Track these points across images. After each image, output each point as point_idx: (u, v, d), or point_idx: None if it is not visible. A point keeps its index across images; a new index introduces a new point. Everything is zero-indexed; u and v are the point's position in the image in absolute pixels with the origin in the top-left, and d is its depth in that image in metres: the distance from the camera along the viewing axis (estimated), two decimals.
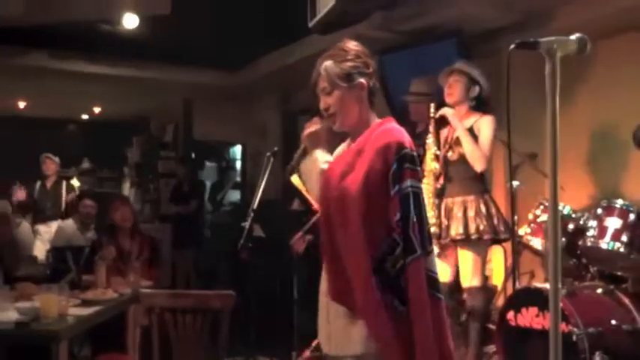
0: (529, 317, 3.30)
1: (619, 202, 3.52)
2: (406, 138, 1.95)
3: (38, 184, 7.10)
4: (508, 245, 4.07)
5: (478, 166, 3.60)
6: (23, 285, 3.32)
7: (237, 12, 5.14)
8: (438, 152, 3.73)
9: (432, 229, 3.46)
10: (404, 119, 3.35)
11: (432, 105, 3.76)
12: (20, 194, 6.70)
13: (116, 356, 3.61)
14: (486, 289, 4.43)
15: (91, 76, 7.08)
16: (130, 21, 5.26)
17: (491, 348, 3.76)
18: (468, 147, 3.59)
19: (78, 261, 3.68)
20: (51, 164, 7.09)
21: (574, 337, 3.05)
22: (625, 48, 4.39)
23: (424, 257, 1.88)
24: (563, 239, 3.67)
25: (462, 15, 4.48)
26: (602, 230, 3.49)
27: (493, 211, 3.60)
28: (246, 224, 2.37)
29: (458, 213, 3.60)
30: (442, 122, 3.84)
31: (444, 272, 3.65)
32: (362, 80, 2.03)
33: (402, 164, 1.90)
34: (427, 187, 3.61)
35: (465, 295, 3.69)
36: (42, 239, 6.27)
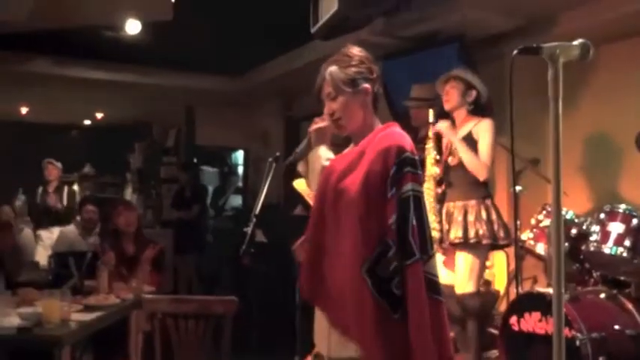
0: (532, 322, 3.29)
1: (622, 207, 3.52)
2: (407, 142, 1.96)
3: (40, 189, 7.11)
4: (510, 250, 4.07)
5: (480, 176, 3.61)
6: (25, 290, 3.33)
7: (240, 18, 5.15)
8: (438, 157, 3.73)
9: (434, 234, 3.45)
10: (406, 125, 3.35)
11: (431, 111, 3.77)
12: (51, 199, 6.72)
13: None
14: (486, 294, 4.42)
15: (93, 81, 7.10)
16: (133, 27, 5.27)
17: (494, 353, 3.75)
18: (466, 159, 3.60)
19: (80, 266, 3.68)
20: (53, 170, 7.09)
21: (577, 342, 3.04)
22: (627, 53, 4.40)
23: (423, 261, 1.87)
24: (566, 244, 3.67)
25: (464, 20, 4.49)
26: (605, 235, 3.49)
27: (494, 216, 3.60)
28: (249, 229, 2.36)
29: (458, 217, 3.60)
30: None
31: (447, 277, 3.65)
32: (366, 85, 2.04)
33: (402, 168, 1.90)
34: (428, 191, 3.61)
35: (458, 300, 3.67)
36: (44, 245, 6.28)
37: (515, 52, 1.49)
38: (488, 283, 4.63)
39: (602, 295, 3.42)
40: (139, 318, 3.65)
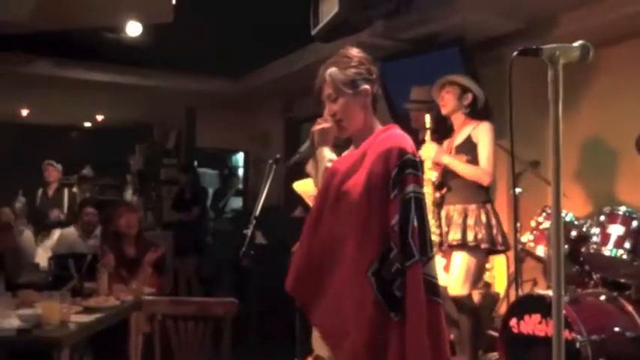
0: (532, 324, 3.29)
1: (622, 209, 3.52)
2: (408, 143, 1.96)
3: (40, 191, 7.10)
4: (510, 252, 4.07)
5: (483, 182, 3.63)
6: (25, 292, 3.32)
7: (240, 20, 5.15)
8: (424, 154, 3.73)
9: (433, 238, 3.45)
10: (406, 127, 3.36)
11: (428, 116, 3.77)
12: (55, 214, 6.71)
13: None
14: (486, 296, 4.42)
15: (93, 83, 7.10)
16: (133, 29, 5.27)
17: (494, 355, 3.74)
18: (466, 172, 3.61)
19: (80, 268, 3.68)
20: (53, 171, 7.09)
21: (577, 345, 3.03)
22: (627, 56, 4.40)
23: (423, 263, 1.88)
24: (566, 246, 3.66)
25: (464, 23, 4.49)
26: (605, 237, 3.49)
27: (493, 221, 3.60)
28: (249, 231, 2.37)
29: (458, 220, 3.60)
30: (445, 131, 3.85)
31: (445, 280, 3.64)
32: (366, 87, 2.05)
33: (403, 169, 1.90)
34: (426, 195, 3.61)
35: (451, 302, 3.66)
36: (44, 247, 6.27)
37: (515, 53, 1.50)
38: (488, 285, 4.63)
39: (603, 298, 3.42)
40: (138, 320, 3.64)
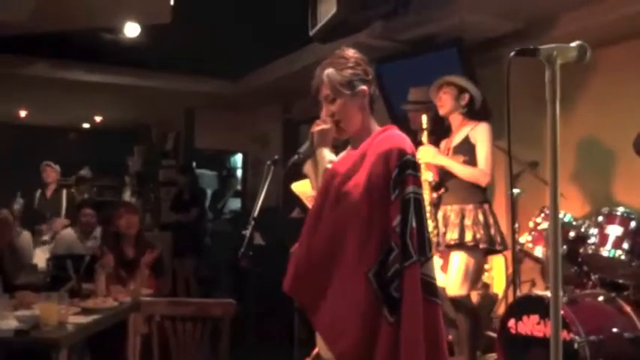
0: (530, 325, 3.29)
1: (620, 210, 3.52)
2: (408, 144, 1.97)
3: (38, 192, 7.10)
4: (509, 253, 4.07)
5: (482, 183, 3.64)
6: (23, 293, 3.32)
7: (238, 21, 5.15)
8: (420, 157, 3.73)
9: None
10: (405, 128, 3.36)
11: (424, 117, 3.78)
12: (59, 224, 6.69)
13: None
14: (484, 297, 4.42)
15: (92, 84, 7.10)
16: (132, 30, 5.27)
17: (492, 356, 3.74)
18: (464, 174, 3.62)
19: (78, 269, 3.68)
20: (51, 172, 7.08)
21: (575, 345, 3.04)
22: (625, 56, 4.40)
23: (421, 263, 1.88)
24: (564, 247, 3.67)
25: (462, 23, 4.49)
26: (603, 238, 3.49)
27: (491, 221, 3.60)
28: (247, 232, 2.37)
29: (455, 220, 3.60)
30: (442, 132, 3.85)
31: (442, 280, 3.64)
32: (363, 87, 2.05)
33: (404, 170, 1.91)
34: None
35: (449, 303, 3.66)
36: (42, 248, 6.26)
37: (512, 53, 1.50)
38: (486, 286, 4.63)
39: (601, 298, 3.42)
40: (136, 321, 3.64)
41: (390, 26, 4.71)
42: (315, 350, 2.15)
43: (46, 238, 6.31)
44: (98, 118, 10.23)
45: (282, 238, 4.92)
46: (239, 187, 9.63)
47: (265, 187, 2.35)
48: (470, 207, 3.61)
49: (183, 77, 7.16)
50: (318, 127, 2.07)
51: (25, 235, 5.91)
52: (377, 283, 1.85)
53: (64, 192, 7.11)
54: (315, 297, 1.95)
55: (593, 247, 3.51)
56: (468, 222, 3.57)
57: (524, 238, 3.99)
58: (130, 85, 7.23)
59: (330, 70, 2.04)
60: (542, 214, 3.95)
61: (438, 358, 1.87)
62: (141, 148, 10.16)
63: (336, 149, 2.14)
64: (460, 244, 3.55)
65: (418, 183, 1.95)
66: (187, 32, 5.21)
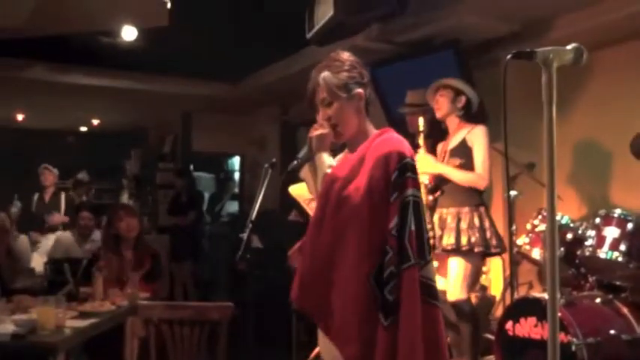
0: (528, 327, 3.29)
1: (617, 212, 3.53)
2: (406, 147, 1.97)
3: (36, 195, 7.09)
4: (507, 255, 4.07)
5: (480, 187, 3.65)
6: (20, 297, 3.31)
7: (236, 24, 5.16)
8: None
9: None
10: (403, 131, 3.36)
11: (421, 119, 3.78)
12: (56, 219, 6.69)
13: None
14: (482, 299, 4.42)
15: (89, 88, 7.09)
16: (129, 33, 5.27)
17: (490, 358, 3.74)
18: (461, 179, 3.62)
19: (75, 273, 3.67)
20: (49, 175, 7.07)
21: (573, 347, 3.04)
22: (622, 59, 4.41)
23: (420, 266, 1.88)
24: (562, 249, 3.67)
25: (459, 26, 4.50)
26: (600, 240, 3.50)
27: (487, 224, 3.61)
28: (245, 235, 2.37)
29: (451, 223, 3.61)
30: (438, 135, 3.86)
31: (440, 283, 3.64)
32: (359, 90, 2.05)
33: (403, 173, 1.91)
34: None
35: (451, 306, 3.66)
36: (39, 251, 6.25)
37: (508, 56, 1.50)
38: (484, 288, 4.63)
39: (598, 300, 3.43)
40: (134, 324, 3.63)
41: (387, 29, 4.72)
42: (315, 350, 2.14)
43: (40, 242, 6.31)
44: (96, 122, 10.22)
45: (280, 241, 4.91)
46: (237, 190, 9.63)
47: (263, 190, 2.36)
48: (466, 210, 3.61)
49: (180, 80, 7.16)
50: (316, 131, 2.07)
51: (23, 239, 5.90)
52: (375, 286, 1.85)
53: (63, 195, 7.10)
54: (321, 304, 1.95)
55: (590, 249, 3.51)
56: (463, 225, 3.57)
57: (521, 240, 3.99)
58: (127, 89, 7.22)
59: (326, 74, 2.04)
60: (540, 216, 3.95)
61: None
62: (138, 151, 10.16)
63: (334, 153, 2.14)
64: (456, 249, 3.55)
65: (417, 186, 1.95)
66: (184, 35, 5.21)
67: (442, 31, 4.64)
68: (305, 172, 2.13)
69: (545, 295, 2.83)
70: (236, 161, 9.76)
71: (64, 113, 9.26)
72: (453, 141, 3.75)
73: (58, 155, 8.90)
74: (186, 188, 7.55)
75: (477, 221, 3.58)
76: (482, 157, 3.62)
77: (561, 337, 3.03)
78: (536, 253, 3.89)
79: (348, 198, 1.91)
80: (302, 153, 2.11)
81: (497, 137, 3.86)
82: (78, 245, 5.29)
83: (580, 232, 3.65)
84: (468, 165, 3.65)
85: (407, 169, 1.92)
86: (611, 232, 3.47)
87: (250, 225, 2.83)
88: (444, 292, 3.58)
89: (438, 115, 3.78)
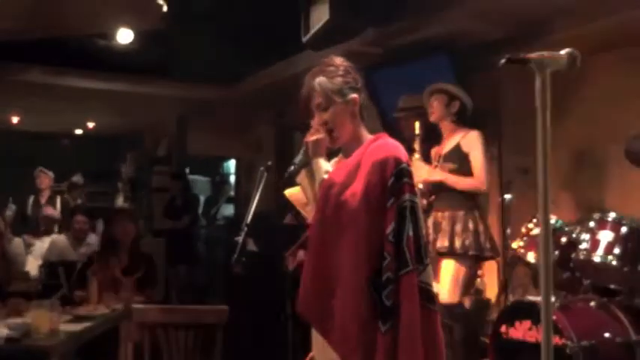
0: (522, 331, 3.30)
1: (611, 215, 3.53)
2: (402, 152, 1.98)
3: (31, 198, 7.07)
4: (502, 259, 4.08)
5: (481, 191, 3.67)
6: (14, 301, 3.30)
7: (232, 27, 5.16)
8: (417, 174, 3.74)
9: None
10: (398, 135, 3.37)
11: (417, 123, 3.79)
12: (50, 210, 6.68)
13: None
14: (477, 303, 4.42)
15: (85, 90, 7.08)
16: (125, 36, 5.27)
17: None
18: (462, 185, 3.63)
19: (70, 276, 3.67)
20: (45, 178, 7.06)
21: (568, 350, 3.05)
22: (618, 63, 4.42)
23: (418, 271, 1.88)
24: (556, 252, 3.68)
25: (455, 30, 4.51)
26: (594, 243, 3.50)
27: (481, 228, 3.62)
28: (240, 239, 2.37)
29: (446, 227, 3.62)
30: (433, 139, 3.87)
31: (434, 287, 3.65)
32: (354, 95, 2.06)
33: (400, 178, 1.91)
34: None
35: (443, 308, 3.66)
36: (34, 254, 6.24)
37: (502, 61, 1.50)
38: (479, 291, 4.64)
39: (593, 303, 3.43)
40: (129, 328, 3.62)
41: (382, 33, 4.73)
42: (310, 355, 2.14)
43: (34, 245, 6.28)
44: (91, 124, 10.21)
45: (276, 245, 4.91)
46: (232, 193, 9.62)
47: (258, 193, 2.35)
48: (460, 213, 3.62)
49: (176, 83, 7.15)
50: (312, 136, 2.07)
51: (17, 242, 5.89)
52: (372, 292, 1.86)
53: (58, 198, 7.09)
54: (324, 312, 1.94)
55: (584, 252, 3.52)
56: (458, 229, 3.58)
57: (516, 244, 3.99)
58: (123, 91, 7.21)
59: (321, 79, 2.05)
60: (535, 220, 3.96)
61: None
62: (134, 154, 10.14)
63: (328, 157, 2.14)
64: (450, 252, 3.56)
65: (413, 191, 1.96)
66: (180, 38, 5.21)
67: (438, 35, 4.65)
68: (302, 177, 2.13)
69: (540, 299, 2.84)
70: (232, 164, 9.76)
71: (60, 116, 9.25)
72: (447, 145, 3.76)
73: (53, 158, 8.89)
74: (181, 191, 7.54)
75: (471, 225, 3.59)
76: (480, 162, 3.63)
77: (556, 340, 3.03)
78: (531, 257, 3.90)
79: (346, 203, 1.92)
80: (298, 158, 2.11)
81: (492, 141, 3.87)
82: (73, 248, 5.28)
83: (574, 235, 3.66)
84: (461, 170, 3.66)
85: (403, 174, 1.92)
86: (606, 236, 3.48)
87: (246, 228, 2.83)
88: (437, 295, 3.58)
89: (432, 118, 3.80)
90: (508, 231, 4.01)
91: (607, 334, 3.20)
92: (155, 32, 5.02)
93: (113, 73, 6.75)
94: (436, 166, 3.77)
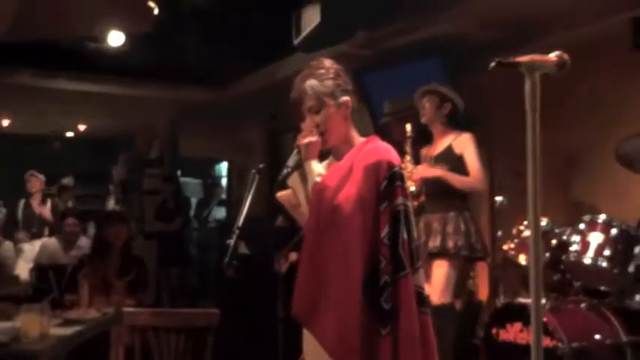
0: (513, 333, 3.31)
1: (601, 217, 3.55)
2: (394, 156, 1.99)
3: (22, 202, 7.03)
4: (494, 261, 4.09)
5: (480, 190, 3.70)
6: (3, 305, 3.28)
7: (223, 29, 5.16)
8: (415, 170, 3.74)
9: None
10: (389, 138, 3.38)
11: (408, 125, 3.79)
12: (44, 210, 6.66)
13: None
14: (469, 304, 4.43)
15: (76, 93, 7.05)
16: (116, 38, 5.26)
17: None
18: (460, 184, 3.63)
19: (60, 280, 3.65)
20: (36, 182, 7.03)
21: (558, 352, 3.06)
22: (609, 67, 4.43)
23: (412, 274, 1.89)
24: (547, 254, 3.69)
25: (446, 32, 4.52)
26: (585, 245, 3.52)
27: (472, 229, 3.63)
28: (232, 241, 2.36)
29: (437, 228, 3.62)
30: (423, 140, 3.87)
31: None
32: (346, 98, 2.06)
33: (393, 182, 1.93)
34: None
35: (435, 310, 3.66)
36: (25, 258, 6.20)
37: (491, 65, 1.51)
38: (471, 293, 4.64)
39: (583, 305, 3.45)
40: (119, 331, 3.61)
41: (374, 35, 4.74)
42: (301, 357, 2.14)
43: (25, 247, 6.25)
44: (82, 127, 10.16)
45: (267, 248, 4.91)
46: (224, 196, 9.60)
47: (250, 195, 2.35)
48: (452, 215, 3.63)
49: (167, 86, 7.14)
50: (304, 139, 2.07)
51: (7, 246, 5.87)
52: (369, 295, 1.86)
53: (49, 201, 7.06)
54: (317, 314, 1.94)
55: (575, 254, 3.53)
56: (449, 230, 3.59)
57: (507, 246, 4.00)
58: (114, 94, 7.19)
59: (313, 82, 2.05)
60: (526, 222, 3.97)
61: None
62: (125, 157, 10.09)
63: (320, 160, 2.14)
64: (441, 253, 3.57)
65: (406, 194, 1.97)
66: (171, 41, 5.20)
67: (429, 37, 4.66)
68: (294, 179, 2.13)
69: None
70: (223, 167, 9.75)
71: (51, 118, 9.19)
72: (438, 147, 3.77)
73: (44, 161, 8.84)
74: (173, 194, 7.53)
75: (462, 226, 3.60)
76: (475, 163, 3.63)
77: (547, 341, 3.05)
78: (522, 259, 3.91)
79: (339, 207, 1.92)
80: (291, 161, 2.11)
81: (484, 143, 3.88)
82: (63, 252, 5.26)
83: (565, 237, 3.67)
84: (453, 171, 3.66)
85: (396, 177, 1.93)
86: (596, 238, 3.50)
87: (237, 231, 2.83)
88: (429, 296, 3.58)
89: (423, 120, 3.80)
90: (499, 233, 4.01)
91: (597, 336, 3.22)
92: (146, 35, 5.01)
93: (104, 75, 6.74)
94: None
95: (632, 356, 3.22)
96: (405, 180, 1.99)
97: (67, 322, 3.16)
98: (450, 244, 3.56)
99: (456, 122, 3.78)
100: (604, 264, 3.42)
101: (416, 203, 3.74)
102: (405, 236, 1.89)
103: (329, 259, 1.93)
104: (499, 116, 4.69)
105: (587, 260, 3.47)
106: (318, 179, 2.02)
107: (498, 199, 4.02)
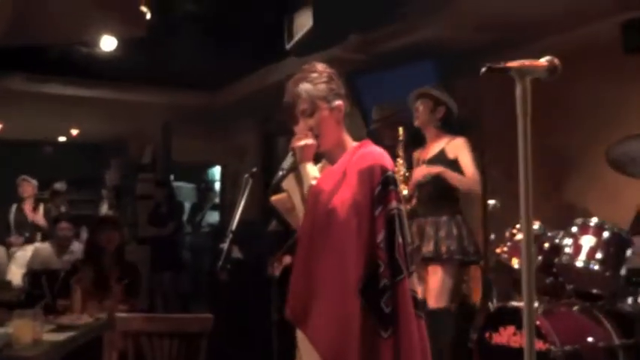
0: (506, 336, 3.32)
1: (593, 220, 3.56)
2: (387, 160, 2.00)
3: (14, 207, 7.00)
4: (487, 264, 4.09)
5: (476, 191, 3.69)
6: None
7: (216, 34, 5.16)
8: (407, 174, 3.75)
9: None
10: (381, 142, 3.38)
11: (400, 129, 3.80)
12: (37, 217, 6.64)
13: None
14: (462, 308, 4.43)
15: (68, 98, 7.04)
16: (108, 43, 5.25)
17: None
18: (459, 183, 3.63)
19: (53, 285, 3.63)
20: (28, 186, 7.00)
21: (551, 355, 3.06)
22: (602, 69, 4.45)
23: (408, 278, 1.90)
24: (539, 258, 3.70)
25: (440, 35, 4.54)
26: (577, 248, 3.52)
27: (464, 233, 3.64)
28: (225, 246, 2.36)
29: (430, 232, 3.63)
30: (415, 142, 3.88)
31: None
32: (339, 102, 2.07)
33: (386, 186, 1.93)
34: None
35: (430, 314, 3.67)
36: (17, 263, 6.17)
37: (482, 70, 1.52)
38: (465, 297, 4.65)
39: (576, 308, 3.46)
40: (113, 337, 3.59)
41: (366, 39, 4.75)
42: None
43: (18, 252, 6.21)
44: (75, 132, 10.13)
45: (261, 252, 4.90)
46: (217, 200, 9.59)
47: (243, 200, 2.35)
48: (444, 219, 3.64)
49: (160, 90, 7.13)
50: (299, 141, 2.07)
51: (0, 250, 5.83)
52: (366, 299, 1.86)
53: (42, 206, 7.03)
54: (312, 318, 1.94)
55: (567, 257, 3.54)
56: (442, 234, 3.60)
57: (500, 249, 4.01)
58: (106, 99, 7.18)
59: (306, 85, 2.05)
60: (518, 226, 3.98)
61: None
62: (118, 162, 10.09)
63: (314, 162, 2.15)
64: (435, 258, 3.57)
65: (399, 198, 1.98)
66: (164, 45, 5.20)
67: (422, 41, 4.68)
68: (288, 182, 2.13)
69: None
70: (216, 171, 9.74)
71: (43, 123, 9.17)
72: (431, 151, 3.77)
73: (37, 166, 8.80)
74: (166, 199, 7.51)
75: (455, 230, 3.61)
76: (471, 166, 3.64)
77: (539, 345, 3.05)
78: (515, 263, 3.92)
79: (334, 211, 1.92)
80: (286, 163, 2.11)
81: (477, 147, 3.89)
82: (56, 257, 5.24)
83: (557, 240, 3.68)
84: None
85: (389, 182, 1.94)
86: (588, 241, 3.51)
87: (231, 235, 2.82)
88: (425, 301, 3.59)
89: (416, 123, 3.81)
90: (492, 237, 4.02)
91: (590, 339, 3.22)
92: (139, 39, 5.01)
93: (97, 80, 6.73)
94: None
95: (624, 359, 3.23)
96: (398, 184, 2.00)
97: (60, 328, 3.14)
98: (443, 248, 3.57)
99: (449, 126, 3.79)
100: (596, 267, 3.43)
101: (408, 207, 3.75)
102: (400, 240, 1.90)
103: (323, 262, 1.93)
104: (492, 120, 4.71)
105: (579, 263, 3.48)
106: (314, 182, 2.02)
107: (491, 202, 4.03)
